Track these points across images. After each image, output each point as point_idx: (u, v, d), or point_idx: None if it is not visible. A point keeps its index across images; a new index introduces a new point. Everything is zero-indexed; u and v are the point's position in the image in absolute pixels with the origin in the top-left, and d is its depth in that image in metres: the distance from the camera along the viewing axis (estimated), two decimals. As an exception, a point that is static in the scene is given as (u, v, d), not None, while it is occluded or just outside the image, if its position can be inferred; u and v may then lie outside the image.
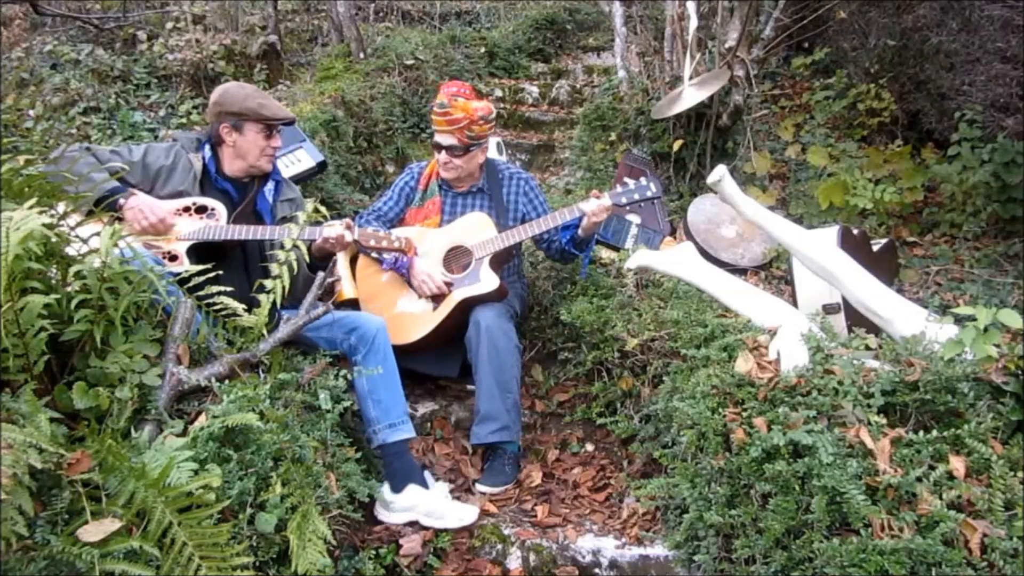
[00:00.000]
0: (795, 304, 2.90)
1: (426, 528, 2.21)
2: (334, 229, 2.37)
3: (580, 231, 2.76)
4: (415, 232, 2.84)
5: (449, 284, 2.72)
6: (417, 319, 2.73)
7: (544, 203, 2.95)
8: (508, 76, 6.55)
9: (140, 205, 2.26)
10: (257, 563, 1.66)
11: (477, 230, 2.78)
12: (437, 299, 2.73)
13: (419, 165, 3.02)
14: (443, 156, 2.80)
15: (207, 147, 2.46)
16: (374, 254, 2.79)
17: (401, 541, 2.14)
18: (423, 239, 2.82)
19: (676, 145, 4.04)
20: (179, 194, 2.38)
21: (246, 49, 5.81)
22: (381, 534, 2.17)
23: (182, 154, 2.44)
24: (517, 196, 2.93)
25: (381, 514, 2.25)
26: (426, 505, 2.23)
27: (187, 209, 2.35)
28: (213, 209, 2.36)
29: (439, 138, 2.78)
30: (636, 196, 2.74)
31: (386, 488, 2.26)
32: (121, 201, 2.24)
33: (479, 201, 2.91)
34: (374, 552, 2.04)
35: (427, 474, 2.39)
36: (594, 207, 2.68)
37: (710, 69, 3.97)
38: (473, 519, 2.23)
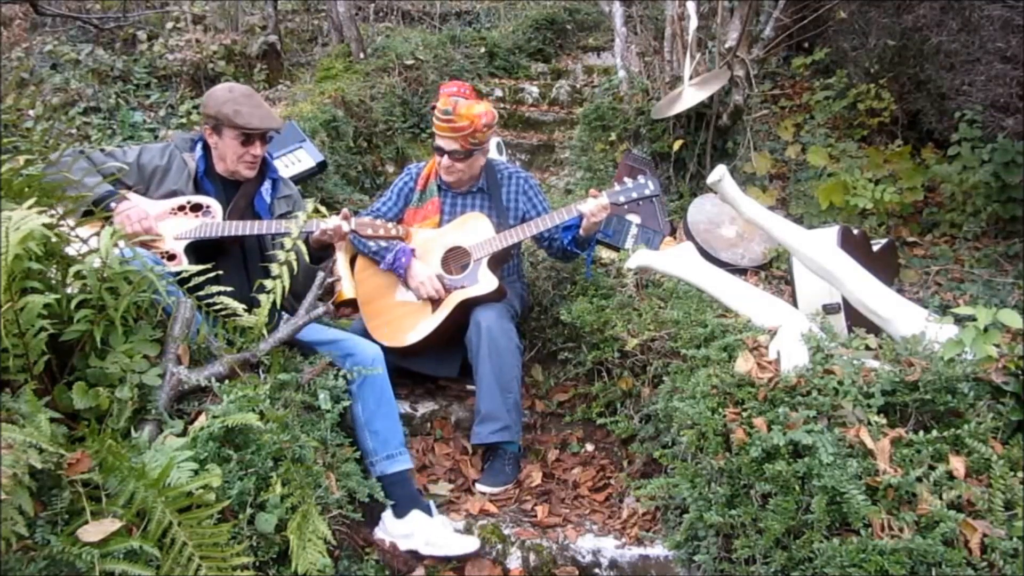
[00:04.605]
0: (795, 304, 2.90)
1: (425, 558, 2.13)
2: (331, 220, 2.37)
3: (581, 231, 2.76)
4: (413, 232, 2.83)
5: (447, 287, 2.72)
6: (417, 320, 2.73)
7: (544, 202, 2.94)
8: (508, 76, 6.55)
9: (129, 210, 2.26)
10: (257, 563, 1.66)
11: (475, 230, 2.77)
12: (436, 300, 2.73)
13: (417, 166, 3.01)
14: (445, 160, 2.80)
15: (200, 146, 2.46)
16: (372, 245, 2.79)
17: None
18: (421, 239, 2.82)
19: (676, 145, 4.04)
20: (173, 194, 2.37)
21: (246, 49, 5.82)
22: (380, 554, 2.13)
23: (176, 154, 2.44)
24: (517, 196, 2.93)
25: (382, 537, 2.18)
26: (427, 534, 2.15)
27: (182, 208, 2.35)
28: (208, 207, 2.35)
29: (441, 143, 2.77)
30: (634, 195, 2.74)
31: (388, 513, 2.19)
32: (114, 204, 2.24)
33: (479, 201, 2.91)
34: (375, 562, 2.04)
35: (432, 505, 2.29)
36: (592, 207, 2.68)
37: (710, 69, 3.97)
38: (475, 549, 2.14)
